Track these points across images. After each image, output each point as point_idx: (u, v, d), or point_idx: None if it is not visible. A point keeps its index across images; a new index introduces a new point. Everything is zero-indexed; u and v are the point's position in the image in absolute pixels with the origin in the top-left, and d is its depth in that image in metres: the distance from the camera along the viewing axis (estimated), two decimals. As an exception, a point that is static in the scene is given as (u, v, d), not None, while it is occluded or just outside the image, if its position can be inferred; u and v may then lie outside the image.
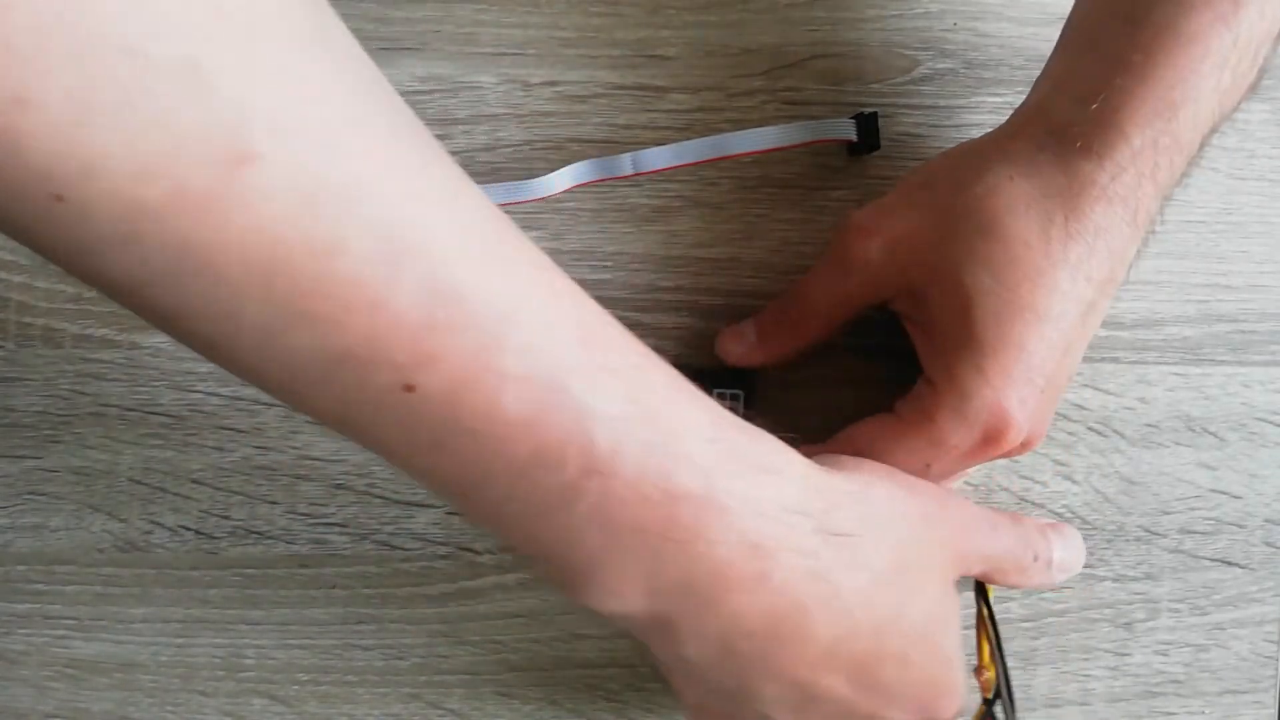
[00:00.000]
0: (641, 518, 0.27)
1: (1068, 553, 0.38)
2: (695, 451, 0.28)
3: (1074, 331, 0.34)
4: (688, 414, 0.28)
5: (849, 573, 0.30)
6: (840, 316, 0.38)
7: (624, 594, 0.28)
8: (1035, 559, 0.37)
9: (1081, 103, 0.33)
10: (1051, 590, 0.42)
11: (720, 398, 0.38)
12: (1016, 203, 0.33)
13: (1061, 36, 0.36)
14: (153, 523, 0.42)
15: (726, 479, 0.28)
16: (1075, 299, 0.33)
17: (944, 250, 0.34)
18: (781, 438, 0.31)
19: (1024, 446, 0.36)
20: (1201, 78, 0.32)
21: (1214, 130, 0.35)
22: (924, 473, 0.35)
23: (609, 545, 0.27)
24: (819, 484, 0.31)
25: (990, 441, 0.34)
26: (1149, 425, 0.44)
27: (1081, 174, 0.33)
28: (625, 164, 0.40)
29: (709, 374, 0.40)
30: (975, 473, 0.43)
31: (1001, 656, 0.37)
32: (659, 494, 0.27)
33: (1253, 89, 0.35)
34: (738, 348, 0.40)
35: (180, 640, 0.43)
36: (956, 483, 0.41)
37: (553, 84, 0.41)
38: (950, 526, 0.34)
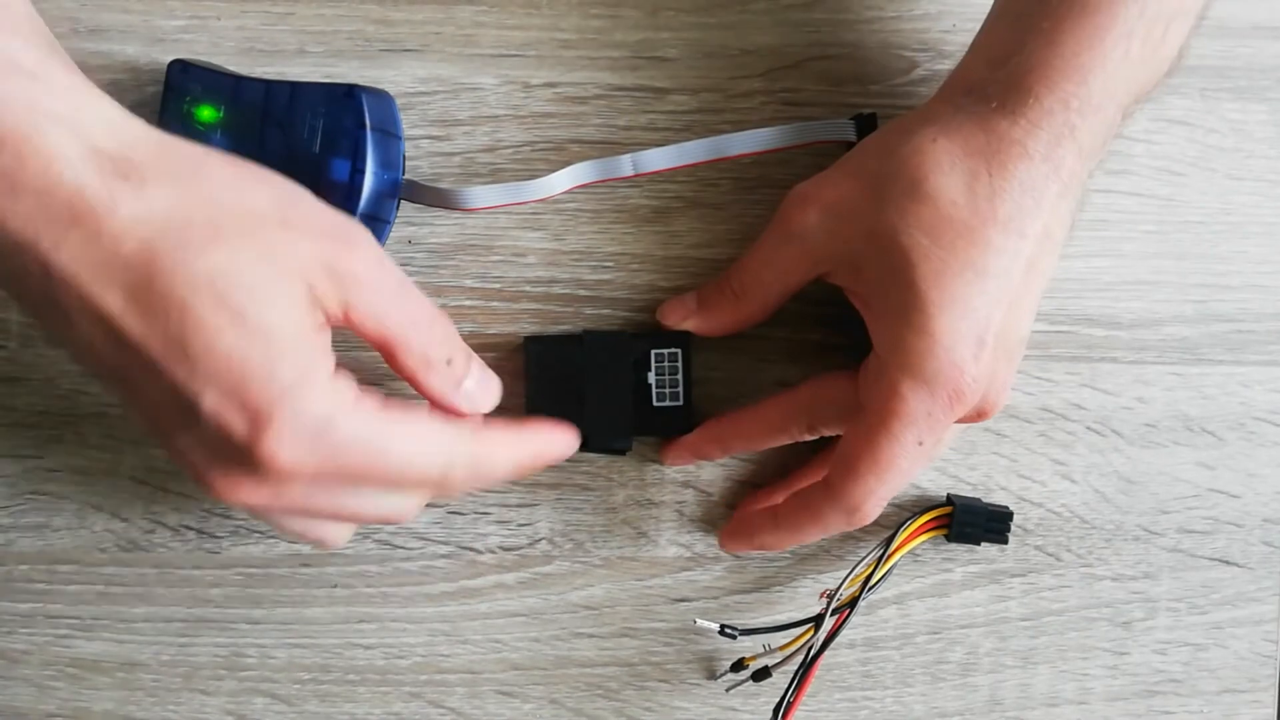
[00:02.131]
0: None
1: (483, 386, 0.36)
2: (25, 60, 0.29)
3: (1018, 288, 0.34)
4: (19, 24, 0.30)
5: (116, 199, 0.29)
6: (779, 289, 0.39)
7: None
8: (449, 363, 0.34)
9: (996, 65, 0.35)
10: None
11: (658, 357, 0.40)
12: (941, 161, 0.34)
13: (990, 10, 0.38)
14: (155, 522, 0.42)
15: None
16: (1012, 254, 0.34)
17: (878, 215, 0.35)
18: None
19: (982, 414, 0.36)
20: (1108, 45, 0.34)
21: (1137, 101, 0.36)
22: (919, 452, 0.35)
23: None
24: (112, 117, 0.31)
25: (954, 401, 0.34)
26: (1147, 425, 0.44)
27: (999, 131, 0.34)
28: (625, 165, 0.41)
29: (647, 336, 0.41)
30: (972, 474, 0.43)
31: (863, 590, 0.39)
32: None
33: (1174, 65, 0.37)
34: (677, 313, 0.41)
35: (182, 639, 0.43)
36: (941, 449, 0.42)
37: (553, 85, 0.42)
38: (305, 224, 0.32)
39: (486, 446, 0.35)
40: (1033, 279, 0.35)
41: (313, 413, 0.30)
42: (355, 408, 0.31)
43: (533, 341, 0.41)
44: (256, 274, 0.30)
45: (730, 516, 0.42)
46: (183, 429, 0.31)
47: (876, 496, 0.36)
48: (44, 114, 0.29)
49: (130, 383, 0.31)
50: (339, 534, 0.37)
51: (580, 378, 0.40)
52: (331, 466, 0.31)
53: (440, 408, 0.35)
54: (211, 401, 0.30)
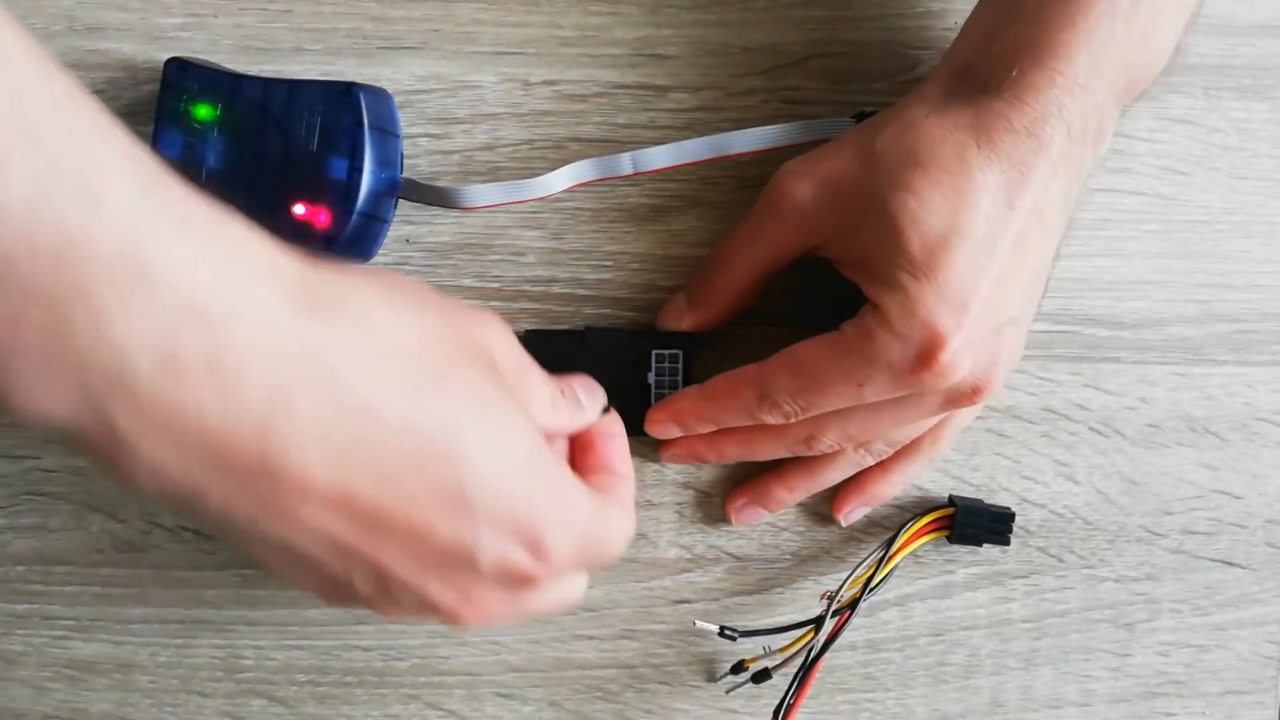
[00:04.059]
0: (36, 278, 0.22)
1: (590, 394, 0.38)
2: (114, 197, 0.23)
3: (1005, 260, 0.34)
4: (108, 153, 0.24)
5: (352, 349, 0.27)
6: (767, 264, 0.39)
7: (40, 389, 0.23)
8: (563, 394, 0.36)
9: (982, 45, 0.36)
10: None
11: (659, 358, 0.40)
12: (933, 134, 0.35)
13: None
14: (151, 523, 0.42)
15: (154, 231, 0.24)
16: (999, 223, 0.34)
17: (871, 183, 0.35)
18: None
19: (975, 393, 0.36)
20: (1090, 22, 0.34)
21: (1130, 91, 0.36)
22: (857, 393, 0.36)
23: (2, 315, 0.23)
24: (289, 254, 0.27)
25: (923, 362, 0.34)
26: (1150, 425, 0.44)
27: (985, 107, 0.35)
28: (625, 163, 0.40)
29: (649, 336, 0.41)
30: (975, 475, 0.43)
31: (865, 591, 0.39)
32: (57, 244, 0.22)
33: (1171, 60, 0.37)
34: (672, 316, 0.41)
35: (179, 641, 0.42)
36: (948, 440, 0.41)
37: (552, 83, 0.41)
38: (469, 317, 0.32)
39: (629, 495, 0.36)
40: (1023, 255, 0.35)
41: (579, 517, 0.32)
42: (593, 502, 0.32)
43: (532, 335, 0.41)
44: (487, 388, 0.30)
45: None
46: (438, 579, 0.29)
47: (787, 396, 0.37)
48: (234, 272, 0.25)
49: (364, 557, 0.28)
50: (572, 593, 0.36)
51: (579, 367, 0.40)
52: (581, 564, 0.33)
53: (566, 434, 0.37)
54: (491, 546, 0.29)
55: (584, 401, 0.37)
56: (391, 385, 0.27)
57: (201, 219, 0.25)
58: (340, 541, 0.28)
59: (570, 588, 0.34)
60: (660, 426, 0.40)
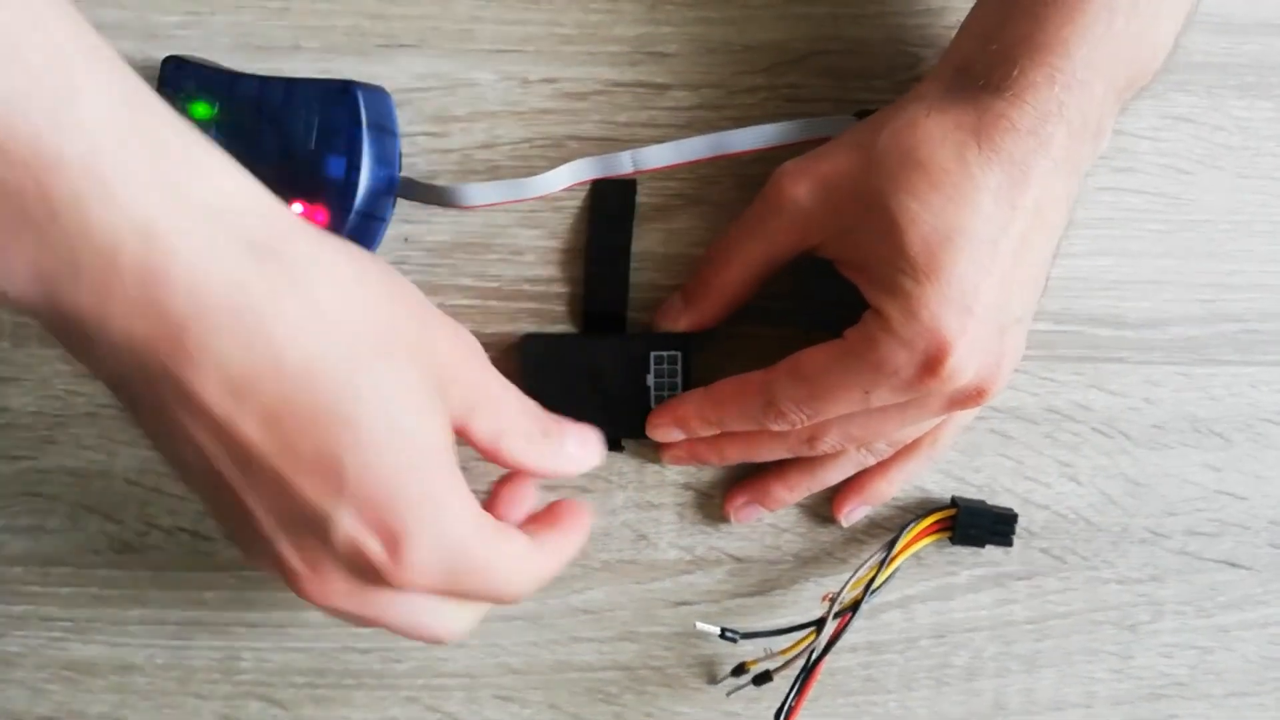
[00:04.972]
0: (3, 174, 0.25)
1: (584, 448, 0.37)
2: (89, 115, 0.26)
3: (1008, 261, 0.34)
4: (89, 70, 0.26)
5: (281, 299, 0.28)
6: (765, 262, 0.39)
7: (9, 267, 0.26)
8: (546, 435, 0.36)
9: (982, 43, 0.35)
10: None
11: (658, 360, 0.40)
12: (933, 133, 0.34)
13: None
14: (149, 524, 0.42)
15: (119, 150, 0.26)
16: (1001, 223, 0.34)
17: (871, 183, 0.35)
18: None
19: (979, 394, 0.36)
20: (1089, 18, 0.34)
21: (1130, 87, 0.36)
22: (862, 400, 0.35)
23: None
24: (263, 201, 0.29)
25: (929, 368, 0.34)
26: (1154, 426, 0.43)
27: (986, 106, 0.34)
28: (625, 162, 0.40)
29: (647, 338, 0.41)
30: (977, 476, 0.43)
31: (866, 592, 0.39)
32: (27, 153, 0.25)
33: (1169, 56, 0.36)
34: (670, 316, 0.41)
35: (177, 642, 0.42)
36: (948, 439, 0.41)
37: (552, 81, 0.41)
38: (440, 329, 0.32)
39: (557, 560, 0.35)
40: (1025, 256, 0.35)
41: (453, 535, 0.31)
42: (480, 529, 0.32)
43: (530, 339, 0.41)
44: (412, 387, 0.30)
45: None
46: (290, 538, 0.30)
47: (792, 404, 0.36)
48: (181, 196, 0.27)
49: (232, 491, 0.29)
50: (458, 626, 0.35)
51: (578, 377, 0.40)
52: (445, 587, 0.31)
53: (545, 476, 0.36)
54: (348, 524, 0.29)
55: (573, 451, 0.36)
56: (306, 340, 0.28)
57: (176, 143, 0.27)
58: (215, 467, 0.29)
59: (433, 612, 0.33)
60: (663, 430, 0.40)
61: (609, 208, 0.41)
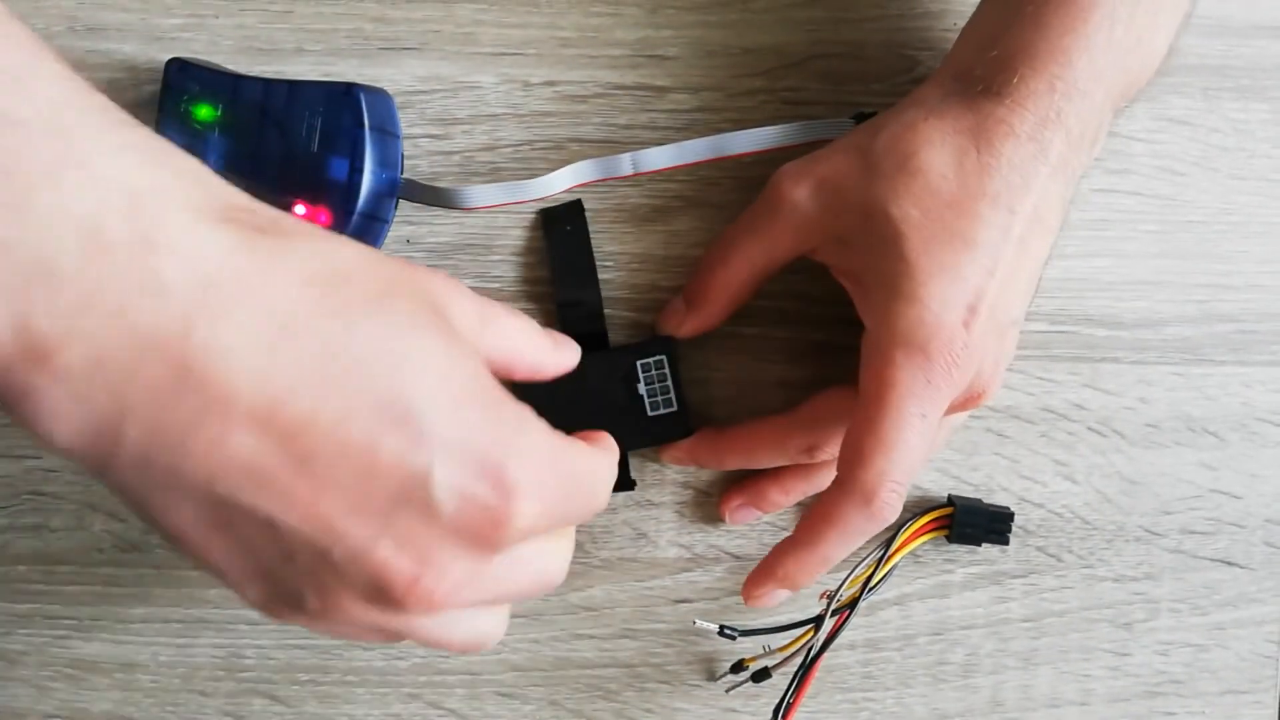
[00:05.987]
0: None
1: (559, 337, 0.35)
2: (45, 93, 0.23)
3: (1008, 263, 0.34)
4: (39, 67, 0.23)
5: (284, 256, 0.24)
6: (763, 264, 0.39)
7: None
8: (548, 333, 0.34)
9: (983, 49, 0.36)
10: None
11: (645, 368, 0.40)
12: (932, 138, 0.35)
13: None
14: (153, 523, 0.42)
15: (87, 121, 0.23)
16: (1002, 228, 0.34)
17: (869, 188, 0.35)
18: None
19: (980, 395, 0.36)
20: (1091, 27, 0.34)
21: (1126, 94, 0.36)
22: (924, 426, 0.34)
23: None
24: (224, 186, 0.25)
25: (951, 367, 0.34)
26: (1149, 425, 0.44)
27: (986, 111, 0.34)
28: (625, 164, 0.40)
29: (630, 348, 0.40)
30: (974, 474, 0.43)
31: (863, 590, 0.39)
32: None
33: (1165, 61, 0.37)
34: (672, 320, 0.41)
35: (180, 640, 0.42)
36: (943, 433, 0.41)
37: (553, 84, 0.41)
38: (419, 268, 0.28)
39: (612, 461, 0.32)
40: (1024, 259, 0.35)
41: (547, 448, 0.27)
42: (559, 435, 0.28)
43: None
44: (433, 313, 0.27)
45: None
46: (390, 532, 0.25)
47: (889, 479, 0.34)
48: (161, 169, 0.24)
49: (301, 507, 0.24)
50: (497, 627, 0.30)
51: (572, 399, 0.39)
52: (559, 514, 0.28)
53: (557, 372, 0.34)
54: (447, 472, 0.24)
55: (570, 344, 0.35)
56: (320, 295, 0.24)
57: (135, 129, 0.24)
58: (268, 474, 0.24)
59: (550, 553, 0.29)
60: (768, 596, 0.38)
61: (562, 233, 0.41)
